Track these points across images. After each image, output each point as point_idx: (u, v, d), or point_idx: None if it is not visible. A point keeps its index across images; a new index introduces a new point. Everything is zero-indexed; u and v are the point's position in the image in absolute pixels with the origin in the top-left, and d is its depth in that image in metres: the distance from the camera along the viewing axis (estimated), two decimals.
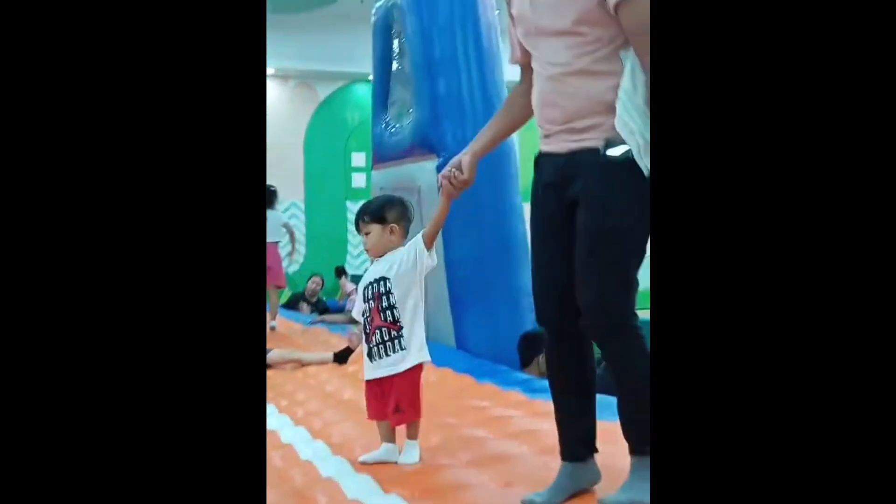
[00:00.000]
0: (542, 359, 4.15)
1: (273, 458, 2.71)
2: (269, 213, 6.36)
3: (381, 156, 5.73)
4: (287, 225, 7.25)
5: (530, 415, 3.02)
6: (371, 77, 6.05)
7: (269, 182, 6.59)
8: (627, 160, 1.76)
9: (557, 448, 2.07)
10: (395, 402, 2.40)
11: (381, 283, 2.40)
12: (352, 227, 11.95)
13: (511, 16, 2.05)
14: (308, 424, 3.21)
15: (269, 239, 6.24)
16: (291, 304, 9.18)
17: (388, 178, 5.55)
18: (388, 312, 2.40)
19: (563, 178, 1.90)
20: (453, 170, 2.09)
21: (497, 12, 5.21)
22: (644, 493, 1.73)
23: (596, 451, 2.04)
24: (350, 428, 3.02)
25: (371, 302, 2.41)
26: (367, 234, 2.47)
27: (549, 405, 3.18)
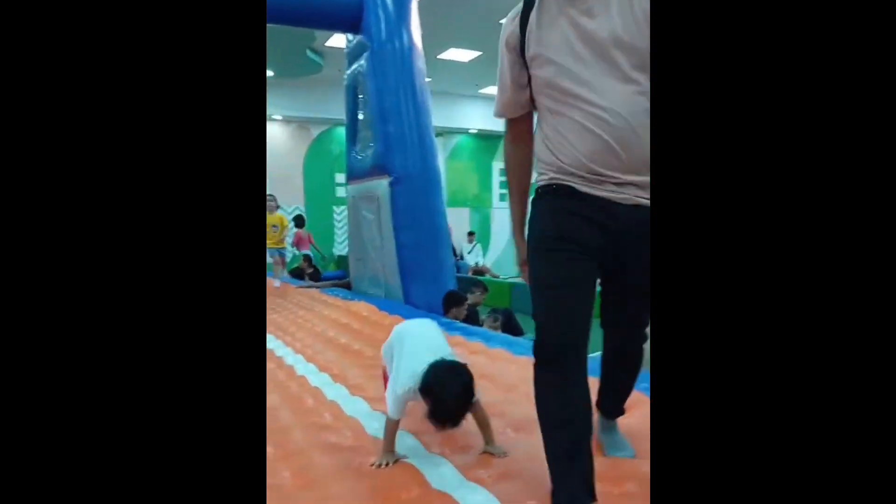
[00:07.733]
0: (455, 310, 4.22)
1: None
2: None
3: (353, 175, 5.67)
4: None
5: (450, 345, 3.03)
6: (345, 122, 5.98)
7: (274, 192, 6.55)
8: None
9: None
10: None
11: None
12: (336, 221, 11.85)
13: (525, 62, 1.36)
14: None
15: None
16: (296, 274, 8.99)
17: (358, 190, 5.52)
18: None
19: (622, 225, 1.34)
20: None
21: (429, 80, 5.20)
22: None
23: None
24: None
25: None
26: None
27: (459, 338, 3.21)
